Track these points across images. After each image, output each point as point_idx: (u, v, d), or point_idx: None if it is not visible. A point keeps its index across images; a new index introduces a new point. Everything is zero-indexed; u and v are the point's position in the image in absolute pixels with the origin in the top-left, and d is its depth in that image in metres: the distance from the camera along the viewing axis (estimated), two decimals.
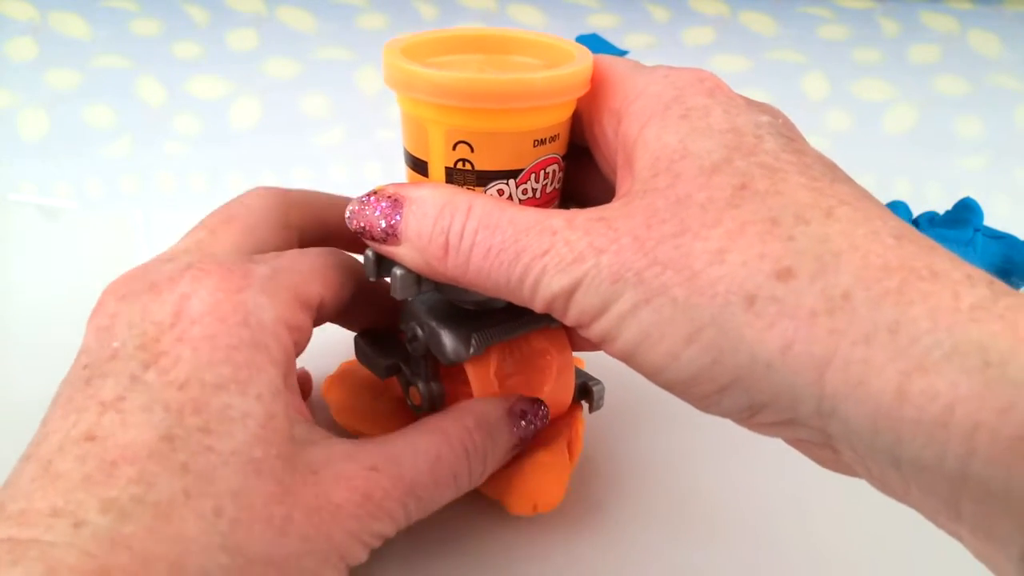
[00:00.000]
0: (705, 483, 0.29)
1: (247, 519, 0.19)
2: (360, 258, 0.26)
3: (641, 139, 0.21)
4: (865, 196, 0.19)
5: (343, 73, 0.54)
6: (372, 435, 0.25)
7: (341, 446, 0.22)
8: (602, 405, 0.28)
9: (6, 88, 0.52)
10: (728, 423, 0.20)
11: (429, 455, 0.23)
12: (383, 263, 0.24)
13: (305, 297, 0.23)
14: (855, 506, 0.27)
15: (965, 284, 0.16)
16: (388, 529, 0.22)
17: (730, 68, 0.55)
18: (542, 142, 0.22)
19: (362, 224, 0.22)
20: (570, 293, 0.19)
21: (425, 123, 0.22)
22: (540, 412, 0.26)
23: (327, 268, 0.25)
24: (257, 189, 0.26)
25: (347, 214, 0.23)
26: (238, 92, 0.52)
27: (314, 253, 0.25)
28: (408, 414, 0.29)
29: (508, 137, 0.22)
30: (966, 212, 0.37)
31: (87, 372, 0.21)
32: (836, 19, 0.59)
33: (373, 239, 0.22)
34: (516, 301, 0.21)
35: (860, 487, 0.19)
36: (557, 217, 0.20)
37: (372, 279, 0.24)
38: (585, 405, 0.29)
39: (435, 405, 0.27)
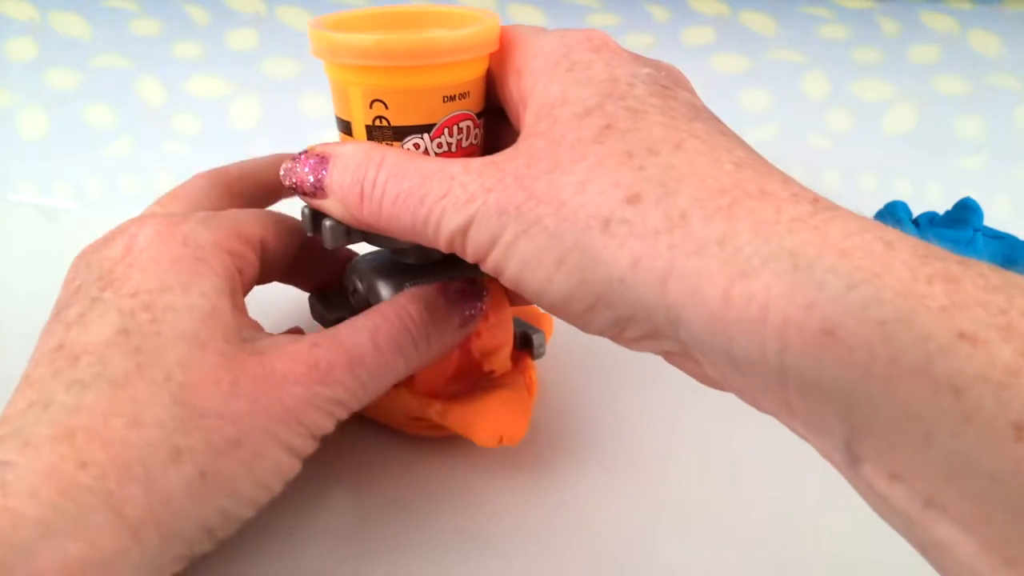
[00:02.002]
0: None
1: (195, 382, 0.22)
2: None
3: (532, 92, 0.23)
4: (719, 132, 0.21)
5: None
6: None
7: (285, 337, 0.25)
8: (544, 353, 0.31)
9: (6, 88, 0.52)
10: (674, 377, 0.22)
11: (368, 328, 0.25)
12: (316, 218, 0.26)
13: (244, 233, 0.26)
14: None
15: (789, 201, 0.19)
16: (342, 395, 0.24)
17: (730, 68, 0.55)
18: (452, 98, 0.24)
19: (294, 180, 0.25)
20: (465, 230, 0.21)
21: (346, 86, 0.24)
22: (478, 290, 0.28)
23: (266, 216, 0.28)
24: (198, 172, 0.30)
25: (281, 171, 0.25)
26: (238, 92, 0.52)
27: (254, 210, 0.28)
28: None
29: (418, 94, 0.24)
30: (966, 212, 0.37)
31: (56, 309, 0.24)
32: (836, 19, 0.59)
33: (304, 194, 0.25)
34: (424, 242, 0.23)
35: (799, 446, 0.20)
36: (456, 164, 0.22)
37: (309, 234, 0.27)
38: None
39: None
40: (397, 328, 0.25)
